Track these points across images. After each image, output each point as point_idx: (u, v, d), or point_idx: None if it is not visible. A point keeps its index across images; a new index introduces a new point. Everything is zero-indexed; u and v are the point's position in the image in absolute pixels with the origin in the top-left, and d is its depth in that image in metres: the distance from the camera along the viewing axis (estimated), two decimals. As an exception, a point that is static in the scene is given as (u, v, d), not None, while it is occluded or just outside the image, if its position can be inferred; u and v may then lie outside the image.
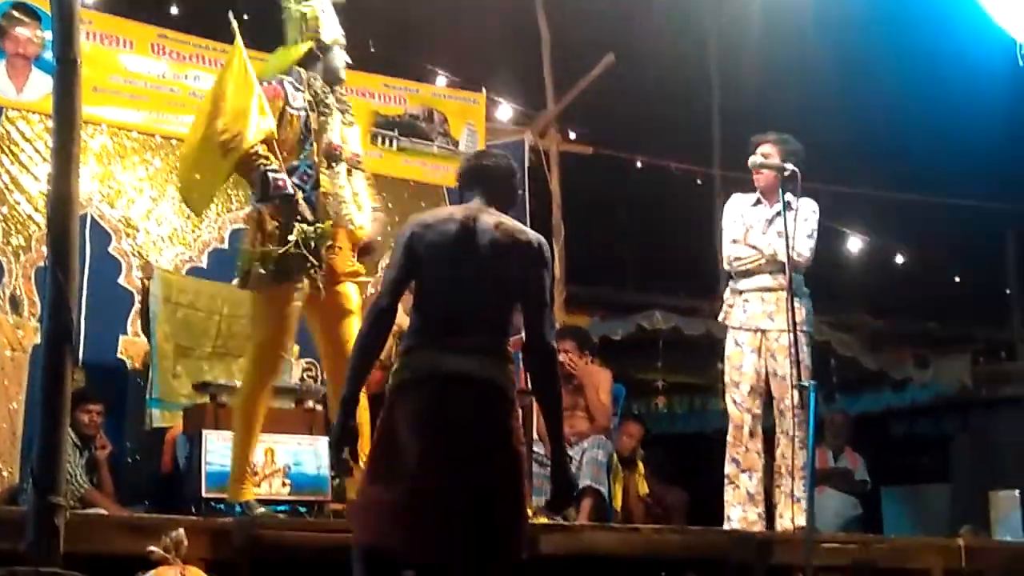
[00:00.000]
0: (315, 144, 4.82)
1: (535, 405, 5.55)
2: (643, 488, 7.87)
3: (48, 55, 6.46)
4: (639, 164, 10.23)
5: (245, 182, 4.93)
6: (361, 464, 4.01)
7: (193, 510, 4.94)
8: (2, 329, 6.65)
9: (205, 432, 5.09)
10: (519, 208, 6.96)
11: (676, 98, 10.42)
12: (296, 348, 6.22)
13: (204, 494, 4.95)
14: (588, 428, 6.55)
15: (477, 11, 8.89)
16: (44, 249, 5.75)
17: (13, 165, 6.83)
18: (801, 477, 5.53)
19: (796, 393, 5.37)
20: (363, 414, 4.71)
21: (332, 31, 4.99)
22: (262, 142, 4.59)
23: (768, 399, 5.73)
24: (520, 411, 3.80)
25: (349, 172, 4.97)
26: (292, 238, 4.64)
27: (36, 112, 6.86)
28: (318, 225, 4.71)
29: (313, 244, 4.67)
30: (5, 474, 6.45)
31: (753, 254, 5.73)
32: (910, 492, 12.20)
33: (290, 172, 4.70)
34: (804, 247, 5.59)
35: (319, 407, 5.68)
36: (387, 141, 8.17)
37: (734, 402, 5.77)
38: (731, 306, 5.83)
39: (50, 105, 3.88)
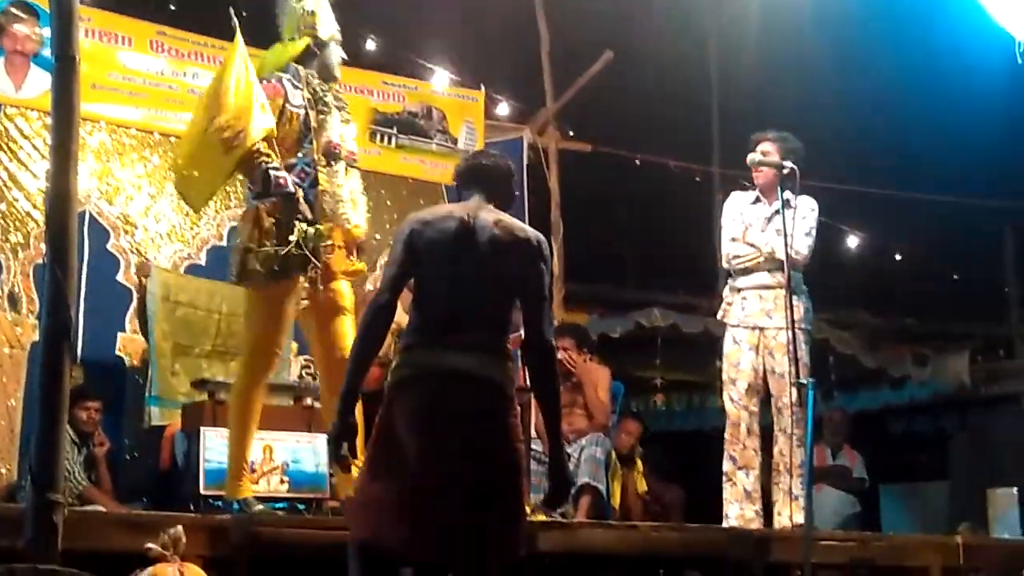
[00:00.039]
0: (314, 142, 4.82)
1: (533, 402, 5.56)
2: (642, 486, 7.87)
3: (47, 52, 6.45)
4: (638, 162, 10.23)
5: (240, 179, 4.93)
6: (359, 461, 4.01)
7: (191, 507, 4.94)
8: (0, 326, 6.65)
9: (203, 429, 5.08)
10: (518, 206, 6.98)
11: (675, 96, 10.43)
12: (295, 345, 6.22)
13: (202, 491, 4.94)
14: (587, 426, 6.55)
15: (476, 9, 8.89)
16: (42, 246, 5.76)
17: (11, 162, 6.83)
18: (799, 475, 5.54)
19: (794, 391, 5.38)
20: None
21: (329, 28, 4.99)
22: (262, 139, 4.59)
23: (766, 397, 5.73)
24: (519, 408, 3.80)
25: (346, 171, 4.97)
26: (293, 237, 4.63)
27: (35, 109, 6.86)
28: (318, 226, 4.71)
29: (312, 244, 4.67)
30: (3, 471, 6.45)
31: (751, 252, 5.74)
32: (908, 490, 12.22)
33: (288, 170, 4.70)
34: (802, 245, 5.60)
35: (318, 404, 5.68)
36: (386, 138, 8.16)
37: (731, 399, 5.77)
38: (730, 304, 5.84)
39: (49, 102, 3.88)
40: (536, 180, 8.96)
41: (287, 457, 5.16)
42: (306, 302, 4.76)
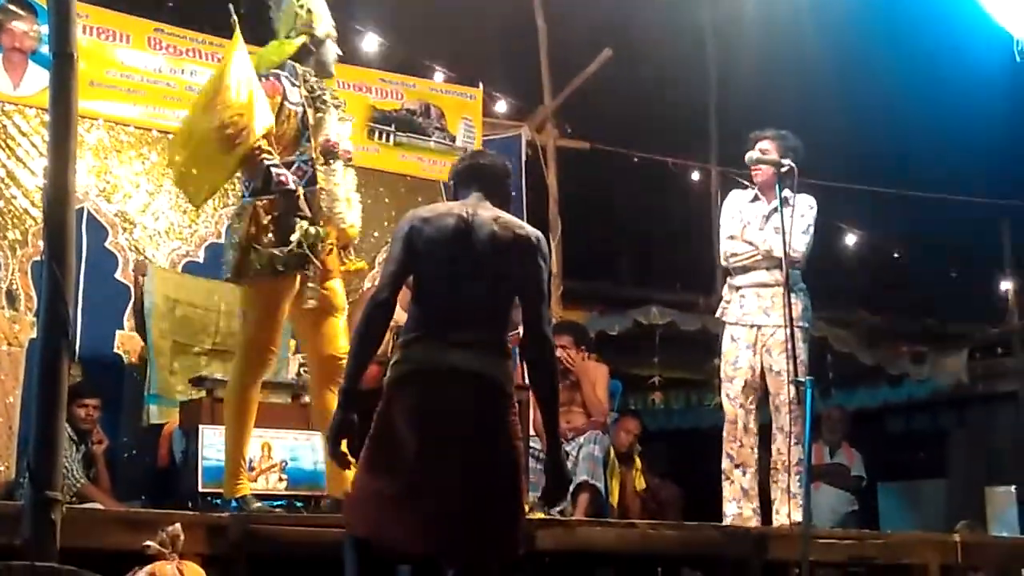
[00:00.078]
0: (312, 140, 4.82)
1: (532, 400, 5.56)
2: (640, 484, 7.88)
3: (45, 49, 6.46)
4: (636, 160, 10.22)
5: (236, 176, 4.91)
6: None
7: (189, 505, 4.94)
8: (-2, 324, 6.65)
9: (201, 427, 5.09)
10: (516, 203, 6.97)
11: (673, 93, 10.42)
12: (292, 343, 6.22)
13: (200, 489, 4.95)
14: (585, 424, 6.55)
15: (474, 6, 8.88)
16: (40, 243, 5.75)
17: (10, 159, 6.82)
18: (797, 473, 5.54)
19: (792, 388, 5.38)
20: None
21: (325, 25, 4.99)
22: (263, 137, 4.59)
23: (764, 395, 5.74)
24: (517, 406, 3.80)
25: (344, 170, 4.97)
26: (296, 235, 4.63)
27: (33, 106, 6.85)
28: (318, 226, 4.71)
29: (312, 242, 4.68)
30: (1, 469, 6.44)
31: (749, 250, 5.74)
32: (906, 488, 12.25)
33: (287, 167, 4.70)
34: (799, 243, 5.59)
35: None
36: (384, 136, 8.15)
37: (728, 397, 5.78)
38: (728, 302, 5.84)
39: (47, 99, 3.87)
40: (534, 178, 8.96)
41: (285, 455, 5.17)
42: (312, 302, 4.75)
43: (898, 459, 12.46)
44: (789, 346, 5.16)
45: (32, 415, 3.73)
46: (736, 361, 5.74)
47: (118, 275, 7.03)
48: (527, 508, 4.33)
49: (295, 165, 4.74)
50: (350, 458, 3.72)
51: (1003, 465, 10.85)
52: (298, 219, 4.66)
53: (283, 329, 4.83)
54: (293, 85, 4.81)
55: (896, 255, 11.98)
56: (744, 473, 5.70)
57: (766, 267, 5.69)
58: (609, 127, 10.08)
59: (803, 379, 4.89)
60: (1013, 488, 8.52)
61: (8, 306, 6.66)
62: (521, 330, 3.76)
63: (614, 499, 6.76)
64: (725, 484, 5.75)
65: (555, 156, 9.35)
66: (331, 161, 4.88)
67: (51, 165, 3.78)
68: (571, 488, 5.80)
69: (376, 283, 3.95)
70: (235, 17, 4.77)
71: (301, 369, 6.20)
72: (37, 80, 6.77)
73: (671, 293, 11.06)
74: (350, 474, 4.65)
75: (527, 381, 5.40)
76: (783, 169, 5.32)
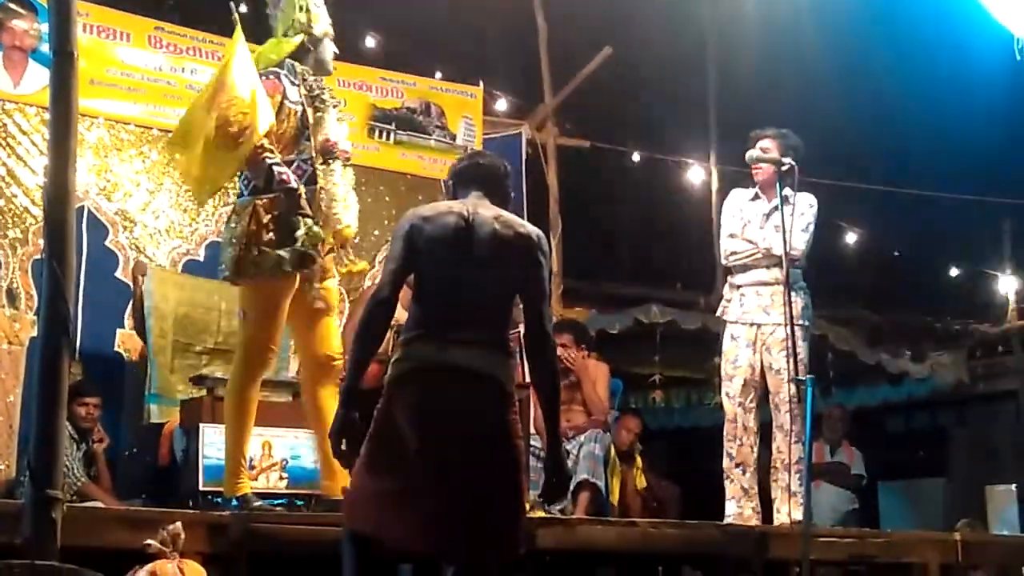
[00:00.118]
0: (312, 139, 4.82)
1: (532, 399, 5.56)
2: (641, 482, 7.88)
3: (45, 48, 6.45)
4: (636, 158, 10.22)
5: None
6: None
7: (190, 503, 4.94)
8: (-1, 322, 6.65)
9: (202, 426, 5.08)
10: (516, 202, 6.97)
11: (673, 92, 10.43)
12: (293, 342, 6.21)
13: (201, 487, 4.94)
14: (585, 422, 6.54)
15: (475, 5, 8.88)
16: (41, 242, 5.74)
17: (10, 158, 6.82)
18: (797, 471, 5.54)
19: (792, 387, 5.38)
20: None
21: (323, 23, 4.99)
22: (265, 135, 4.59)
23: (764, 393, 5.73)
24: (518, 405, 3.80)
25: (342, 170, 4.97)
26: (300, 234, 4.63)
27: (33, 105, 6.84)
28: (319, 226, 4.72)
29: (314, 241, 4.68)
30: (2, 467, 6.44)
31: (749, 248, 5.74)
32: (907, 486, 12.25)
33: (287, 166, 4.69)
34: (799, 241, 5.58)
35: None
36: (384, 134, 8.15)
37: (728, 396, 5.77)
38: (728, 301, 5.84)
39: (47, 98, 3.87)
40: (534, 176, 8.96)
41: (286, 453, 5.17)
42: (320, 303, 4.76)
43: (898, 458, 12.46)
44: (789, 344, 5.16)
45: (33, 413, 3.73)
46: (736, 360, 5.74)
47: (118, 273, 7.03)
48: (528, 507, 4.33)
49: (294, 164, 4.74)
50: (352, 458, 3.71)
51: (1003, 464, 10.85)
52: (300, 218, 4.66)
53: (283, 328, 4.82)
54: (292, 84, 4.81)
55: (896, 254, 11.97)
56: (744, 472, 5.70)
57: (766, 265, 5.69)
58: (609, 125, 10.08)
59: (803, 377, 4.89)
60: (1013, 487, 8.52)
61: (9, 304, 6.66)
62: (522, 328, 3.76)
63: (615, 498, 6.76)
64: (726, 483, 5.75)
65: (555, 154, 9.35)
66: (329, 161, 4.89)
67: (51, 163, 3.78)
68: (572, 487, 5.80)
69: (377, 281, 3.94)
70: (236, 15, 4.77)
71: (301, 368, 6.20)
72: (37, 78, 6.77)
73: (671, 292, 11.06)
74: (342, 474, 4.69)
75: (528, 379, 5.42)
76: (783, 168, 5.33)
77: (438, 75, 8.78)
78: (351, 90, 7.98)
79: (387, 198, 8.04)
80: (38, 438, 3.61)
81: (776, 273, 5.57)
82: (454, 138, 8.36)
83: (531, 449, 5.93)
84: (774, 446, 5.69)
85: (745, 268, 5.78)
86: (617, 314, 10.25)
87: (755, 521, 5.65)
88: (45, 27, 6.57)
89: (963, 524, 7.77)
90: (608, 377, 6.89)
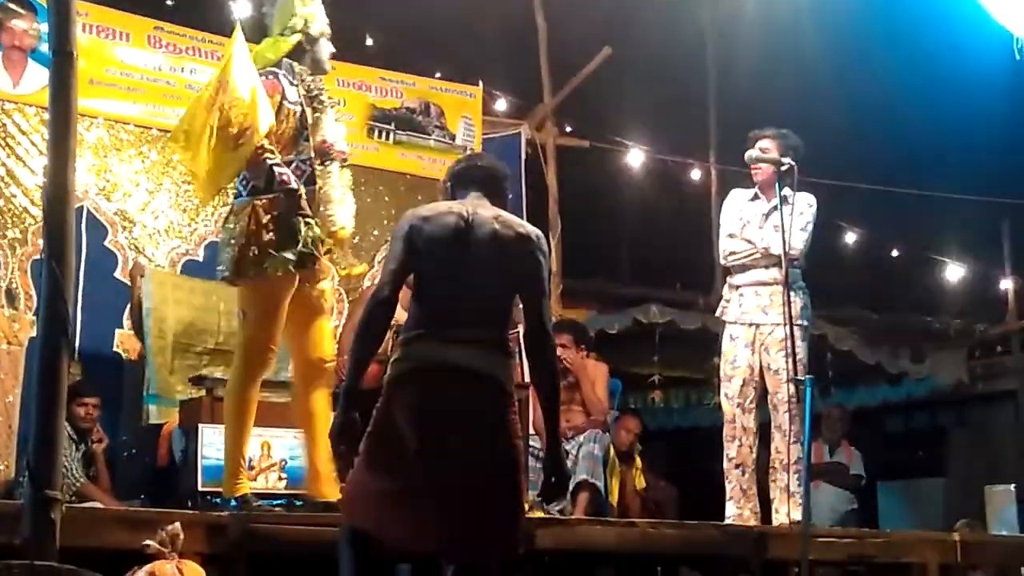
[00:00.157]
0: (311, 139, 4.82)
1: (531, 398, 5.56)
2: (640, 483, 7.88)
3: (44, 48, 6.45)
4: (636, 158, 10.21)
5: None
6: None
7: (189, 504, 4.94)
8: (-2, 323, 6.65)
9: (201, 426, 5.08)
10: (515, 202, 6.97)
11: (673, 92, 10.42)
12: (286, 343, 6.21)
13: (200, 488, 4.94)
14: (584, 422, 6.54)
15: (474, 4, 8.87)
16: (40, 242, 5.74)
17: (9, 158, 6.81)
18: (796, 471, 5.54)
19: (791, 387, 5.38)
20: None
21: (320, 23, 4.98)
22: (265, 136, 4.59)
23: (763, 394, 5.73)
24: (517, 404, 3.80)
25: (339, 171, 4.97)
26: (302, 235, 4.63)
27: (32, 105, 6.84)
28: (319, 227, 4.73)
29: (314, 241, 4.69)
30: (1, 468, 6.44)
31: (747, 248, 5.74)
32: (906, 486, 12.24)
33: (286, 166, 4.69)
34: (797, 240, 5.58)
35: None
36: (384, 134, 8.15)
37: (727, 397, 5.78)
38: (727, 301, 5.84)
39: (46, 98, 3.87)
40: (534, 176, 8.96)
41: (285, 453, 5.16)
42: (326, 303, 4.77)
43: (898, 458, 12.46)
44: (788, 344, 5.16)
45: (32, 414, 3.73)
46: (735, 360, 5.74)
47: (118, 274, 7.03)
48: (527, 507, 4.33)
49: (293, 164, 4.73)
50: (353, 459, 3.71)
51: (1003, 464, 10.84)
52: (300, 218, 4.66)
53: (283, 328, 4.82)
54: (291, 84, 4.81)
55: (896, 253, 11.97)
56: (743, 473, 5.70)
57: (765, 265, 5.69)
58: (609, 125, 10.07)
59: (802, 377, 4.89)
60: (1013, 487, 8.50)
61: (8, 305, 6.66)
62: (522, 328, 3.76)
63: (614, 498, 6.76)
64: (726, 483, 5.75)
65: (555, 154, 9.34)
66: (326, 162, 4.89)
67: (51, 163, 3.78)
68: (571, 487, 5.80)
69: (376, 281, 3.94)
70: (235, 15, 4.76)
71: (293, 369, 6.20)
72: (37, 78, 6.77)
73: (671, 292, 11.06)
74: (328, 476, 4.70)
75: (528, 379, 5.41)
76: (783, 168, 5.33)
77: (437, 75, 8.77)
78: (350, 90, 7.98)
79: (386, 198, 8.04)
80: (37, 438, 3.61)
81: (775, 273, 5.58)
82: (453, 138, 8.36)
83: (530, 449, 5.92)
84: (773, 446, 5.69)
85: (744, 268, 5.78)
86: (616, 314, 10.26)
87: (754, 522, 5.65)
88: (44, 27, 6.57)
89: (962, 524, 7.77)
90: (607, 377, 6.89)
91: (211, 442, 4.97)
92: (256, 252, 4.59)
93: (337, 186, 4.92)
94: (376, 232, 7.83)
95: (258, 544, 4.19)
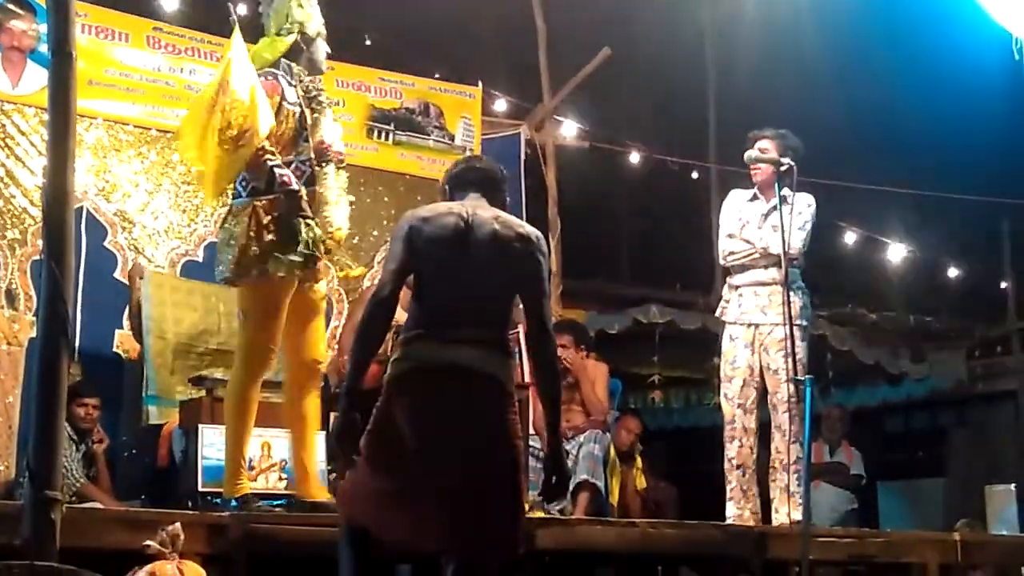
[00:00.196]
0: (310, 140, 4.82)
1: (531, 398, 5.56)
2: (641, 483, 7.89)
3: (43, 48, 6.44)
4: (635, 158, 10.22)
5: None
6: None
7: (189, 504, 4.93)
8: (-2, 323, 6.65)
9: (201, 426, 5.08)
10: (515, 202, 6.96)
11: (672, 92, 10.43)
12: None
13: (200, 488, 4.94)
14: (584, 422, 6.54)
15: (473, 5, 8.88)
16: (40, 243, 5.74)
17: (9, 159, 6.81)
18: (795, 471, 5.54)
19: (791, 387, 5.38)
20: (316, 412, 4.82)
21: (316, 23, 4.98)
22: (266, 137, 4.59)
23: (763, 394, 5.73)
24: (518, 405, 3.80)
25: (336, 172, 4.97)
26: (304, 235, 4.64)
27: (31, 105, 6.84)
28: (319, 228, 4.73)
29: (315, 242, 4.69)
30: (1, 468, 6.43)
31: (746, 248, 5.74)
32: (906, 486, 12.25)
33: (286, 167, 4.70)
34: (795, 239, 5.56)
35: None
36: (383, 135, 8.14)
37: (726, 398, 5.78)
38: (727, 301, 5.84)
39: (45, 98, 3.86)
40: (533, 176, 8.95)
41: (285, 454, 5.15)
42: (315, 306, 4.76)
43: (898, 458, 12.47)
44: (787, 344, 5.16)
45: (32, 414, 3.73)
46: (735, 361, 5.74)
47: (117, 274, 7.02)
48: (527, 507, 4.33)
49: (293, 165, 4.73)
50: (355, 458, 3.71)
51: (1003, 463, 10.85)
52: (301, 219, 4.66)
53: (283, 329, 4.81)
54: (290, 84, 4.81)
55: (896, 253, 11.96)
56: (744, 473, 5.69)
57: (764, 265, 5.69)
58: (608, 126, 10.08)
59: (802, 377, 4.89)
60: (1013, 486, 8.50)
61: (7, 305, 6.65)
62: (521, 329, 3.77)
63: (614, 498, 6.76)
64: (727, 485, 5.75)
65: (554, 155, 9.34)
66: (323, 163, 4.89)
67: (50, 164, 3.78)
68: (571, 487, 5.80)
69: (376, 282, 3.95)
70: (234, 16, 4.76)
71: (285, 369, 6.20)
72: (36, 79, 6.76)
73: (671, 292, 11.06)
74: (315, 477, 4.71)
75: (528, 379, 5.41)
76: (782, 168, 5.33)
77: (436, 75, 8.77)
78: (350, 90, 7.98)
79: (386, 198, 8.03)
80: (37, 439, 3.61)
81: (774, 273, 5.58)
82: (453, 138, 8.36)
83: (531, 449, 5.93)
84: (773, 446, 5.69)
85: (743, 268, 5.78)
86: (616, 314, 10.26)
87: (754, 523, 5.64)
88: (44, 28, 6.56)
89: (962, 524, 7.78)
90: (607, 377, 6.89)
91: (211, 442, 4.97)
92: (257, 253, 4.59)
93: (333, 187, 4.92)
94: (376, 233, 7.82)
95: (258, 544, 4.18)
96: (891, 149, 10.75)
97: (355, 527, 3.63)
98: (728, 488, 5.73)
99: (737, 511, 5.66)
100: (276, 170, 4.60)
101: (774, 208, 5.44)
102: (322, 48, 5.00)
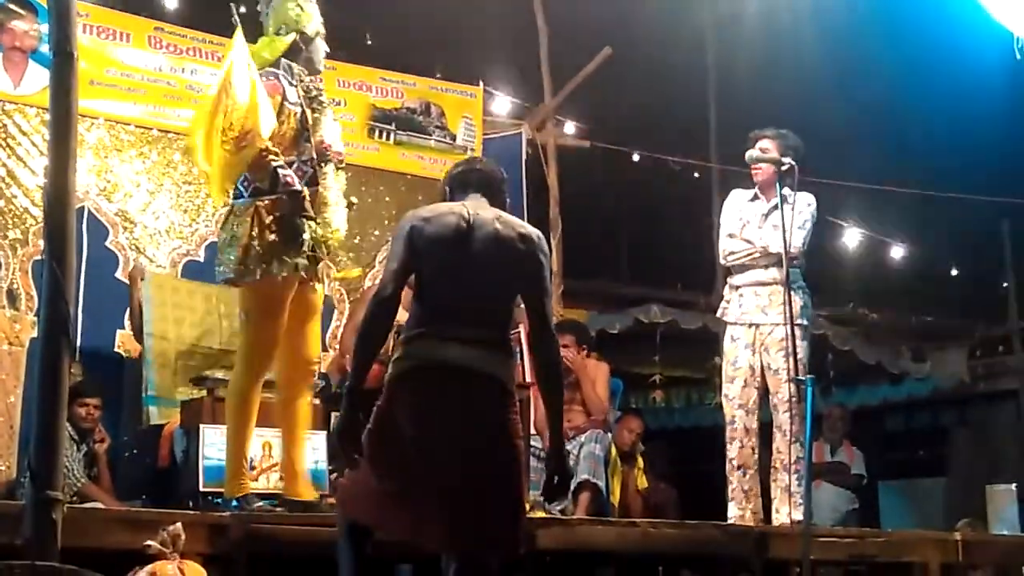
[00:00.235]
0: (311, 141, 4.82)
1: (532, 398, 5.56)
2: (642, 483, 7.87)
3: (45, 48, 6.46)
4: (636, 158, 10.22)
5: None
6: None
7: (190, 504, 4.94)
8: (-1, 323, 6.66)
9: (202, 426, 5.08)
10: (516, 201, 6.96)
11: (673, 92, 10.42)
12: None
13: (201, 488, 4.94)
14: (585, 422, 6.54)
15: (475, 4, 8.87)
16: (41, 243, 5.74)
17: (10, 159, 6.82)
18: (796, 471, 5.54)
19: (791, 387, 5.38)
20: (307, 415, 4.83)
21: (315, 22, 4.98)
22: (268, 138, 4.59)
23: (764, 394, 5.73)
24: (519, 404, 3.81)
25: (335, 173, 4.97)
26: (307, 236, 4.64)
27: (33, 105, 6.85)
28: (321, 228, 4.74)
29: (316, 242, 4.69)
30: (3, 468, 6.44)
31: (747, 247, 5.74)
32: (907, 486, 12.24)
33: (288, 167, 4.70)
34: (796, 238, 5.55)
35: (316, 401, 5.68)
36: (384, 135, 8.15)
37: (727, 399, 5.77)
38: (728, 302, 5.84)
39: (47, 98, 3.87)
40: (534, 176, 8.96)
41: (286, 454, 5.15)
42: (313, 307, 4.77)
43: (899, 457, 12.47)
44: (788, 344, 5.15)
45: (33, 414, 3.73)
46: (736, 361, 5.74)
47: (118, 274, 7.04)
48: (528, 507, 4.33)
49: (294, 165, 4.73)
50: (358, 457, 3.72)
51: (1004, 463, 10.84)
52: (303, 220, 4.67)
53: (284, 329, 4.81)
54: (291, 84, 4.81)
55: (896, 252, 11.97)
56: (744, 474, 5.69)
57: (764, 265, 5.68)
58: (610, 126, 10.07)
59: (803, 377, 4.89)
60: (1014, 486, 8.50)
61: (9, 305, 6.66)
62: (523, 328, 3.77)
63: (615, 498, 6.75)
64: (728, 485, 5.74)
65: (555, 155, 9.34)
66: (323, 164, 4.89)
67: (51, 164, 3.78)
68: (572, 487, 5.80)
69: (378, 282, 3.95)
70: (236, 16, 4.76)
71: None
72: (37, 79, 6.77)
73: (672, 292, 11.06)
74: (304, 476, 4.71)
75: (528, 379, 5.41)
76: (783, 168, 5.33)
77: (438, 75, 8.77)
78: (351, 90, 7.99)
79: (387, 198, 8.04)
80: (38, 439, 3.61)
81: (774, 273, 5.58)
82: (454, 138, 8.37)
83: (532, 449, 5.93)
84: (774, 446, 5.68)
85: (743, 268, 5.78)
86: (617, 314, 10.26)
87: (754, 523, 5.64)
88: (45, 28, 6.57)
89: (963, 524, 7.77)
90: (608, 377, 6.88)
91: (212, 442, 4.97)
92: (260, 253, 4.60)
93: (332, 188, 4.92)
94: (377, 232, 7.83)
95: (259, 544, 4.18)
96: (892, 149, 10.74)
97: (355, 525, 3.63)
98: (729, 489, 5.73)
99: (738, 512, 5.65)
100: (279, 171, 4.60)
101: (774, 208, 5.44)
102: (321, 48, 5.00)
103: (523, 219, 4.03)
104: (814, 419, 4.76)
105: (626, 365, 9.68)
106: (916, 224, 11.49)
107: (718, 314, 5.94)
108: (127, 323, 6.94)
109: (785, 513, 5.58)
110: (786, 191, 5.32)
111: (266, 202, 4.63)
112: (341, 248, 6.68)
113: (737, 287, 5.79)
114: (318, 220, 4.76)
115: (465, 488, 3.53)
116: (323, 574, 3.78)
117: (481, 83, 8.67)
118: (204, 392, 5.51)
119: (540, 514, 5.24)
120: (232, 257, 4.63)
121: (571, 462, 6.06)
